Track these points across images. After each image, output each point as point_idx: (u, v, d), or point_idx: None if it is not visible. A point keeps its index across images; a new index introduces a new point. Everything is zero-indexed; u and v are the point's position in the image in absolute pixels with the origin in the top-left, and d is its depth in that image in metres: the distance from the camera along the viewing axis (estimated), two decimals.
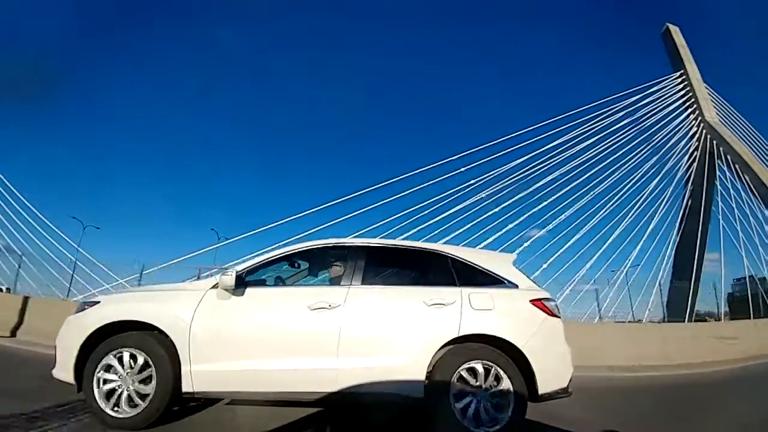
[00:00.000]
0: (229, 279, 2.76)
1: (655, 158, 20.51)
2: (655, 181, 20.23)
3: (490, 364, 2.69)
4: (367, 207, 16.23)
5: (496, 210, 17.32)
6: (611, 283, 15.27)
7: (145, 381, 2.66)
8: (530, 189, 17.91)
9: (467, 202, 17.17)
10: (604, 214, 18.54)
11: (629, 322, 12.88)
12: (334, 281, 3.11)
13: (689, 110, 22.39)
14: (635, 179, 19.61)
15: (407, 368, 2.66)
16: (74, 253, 18.71)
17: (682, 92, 22.55)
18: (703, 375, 6.73)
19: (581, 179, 18.60)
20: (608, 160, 19.15)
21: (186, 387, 2.65)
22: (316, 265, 3.52)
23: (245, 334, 2.75)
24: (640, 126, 20.35)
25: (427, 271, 3.23)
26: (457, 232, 16.76)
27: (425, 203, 16.76)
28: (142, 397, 2.63)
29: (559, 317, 3.01)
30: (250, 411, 3.39)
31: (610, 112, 19.35)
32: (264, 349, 2.71)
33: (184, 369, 2.65)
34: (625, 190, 19.27)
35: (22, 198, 20.10)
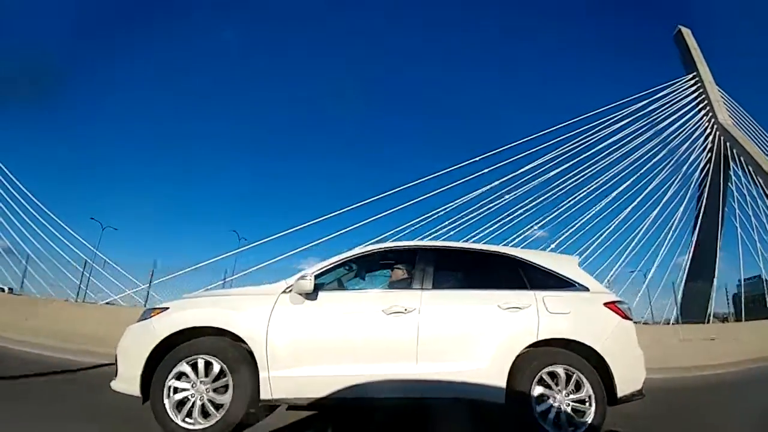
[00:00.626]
0: (309, 284, 2.70)
1: (670, 160, 20.53)
2: (671, 183, 20.28)
3: (571, 368, 2.67)
4: (391, 210, 16.34)
5: (512, 210, 17.30)
6: (627, 283, 15.25)
7: (220, 389, 2.56)
8: (550, 190, 17.88)
9: (487, 204, 17.15)
10: (622, 216, 18.57)
11: (644, 323, 12.82)
12: (398, 284, 3.08)
13: (703, 112, 22.28)
14: (650, 180, 19.65)
15: (488, 373, 2.64)
16: (89, 255, 18.75)
17: (695, 94, 22.47)
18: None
19: (598, 181, 18.59)
20: (624, 162, 19.18)
21: (264, 394, 2.57)
22: (377, 268, 3.48)
23: (323, 339, 2.70)
24: (655, 129, 20.35)
25: (496, 273, 3.17)
26: (477, 232, 16.70)
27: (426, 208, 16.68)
28: (217, 406, 2.53)
29: (632, 320, 3.00)
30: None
31: (626, 115, 19.36)
32: (342, 354, 2.66)
33: (262, 375, 2.57)
34: (640, 191, 19.30)
35: (35, 199, 20.10)
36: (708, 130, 22.09)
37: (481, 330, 2.76)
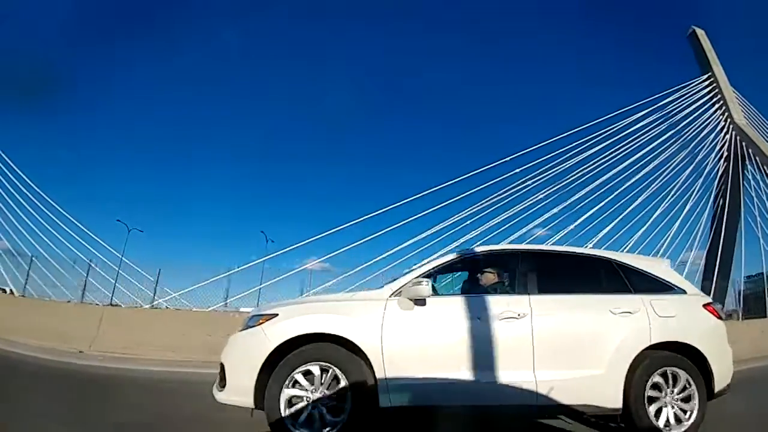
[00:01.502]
0: (427, 289, 2.67)
1: (688, 158, 20.63)
2: (688, 180, 20.43)
3: (679, 370, 2.77)
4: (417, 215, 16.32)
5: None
6: None
7: (340, 396, 2.52)
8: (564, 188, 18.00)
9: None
10: (640, 216, 18.71)
11: None
12: (494, 288, 3.07)
13: (719, 112, 22.32)
14: (668, 179, 19.83)
15: (606, 380, 2.67)
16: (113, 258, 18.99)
17: (711, 94, 22.50)
18: None
19: (618, 180, 18.76)
20: (640, 163, 19.32)
21: (383, 402, 2.53)
22: (473, 272, 3.43)
23: (438, 345, 2.69)
24: (675, 129, 20.49)
25: (598, 277, 3.17)
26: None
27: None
28: (335, 414, 2.49)
29: (723, 319, 3.14)
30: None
31: (645, 114, 19.59)
32: (458, 360, 2.64)
33: (381, 383, 2.53)
34: (657, 188, 19.47)
35: (46, 197, 20.26)
36: (724, 130, 22.12)
37: (596, 336, 2.78)
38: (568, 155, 18.28)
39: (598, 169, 18.92)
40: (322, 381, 2.56)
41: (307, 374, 2.56)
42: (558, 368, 2.67)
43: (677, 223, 19.47)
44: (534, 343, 2.67)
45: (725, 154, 21.88)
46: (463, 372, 2.61)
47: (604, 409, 2.66)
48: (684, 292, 3.13)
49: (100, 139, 61.54)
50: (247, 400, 2.52)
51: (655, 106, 20.28)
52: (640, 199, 19.10)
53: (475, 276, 3.23)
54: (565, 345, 2.75)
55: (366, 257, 16.62)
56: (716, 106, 22.53)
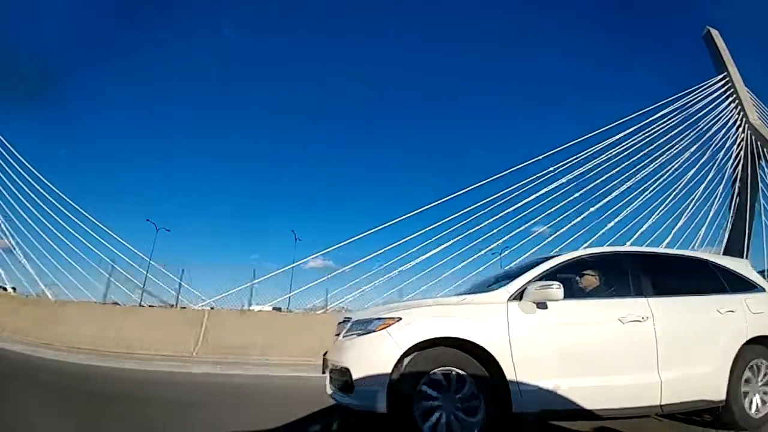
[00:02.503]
0: (559, 292, 2.66)
1: (703, 157, 20.91)
2: (704, 179, 20.72)
3: (764, 361, 3.07)
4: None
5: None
6: None
7: (472, 402, 2.53)
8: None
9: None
10: (658, 216, 19.06)
11: None
12: (596, 291, 3.16)
13: (734, 112, 22.50)
14: (688, 178, 20.16)
15: (717, 376, 2.83)
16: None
17: (727, 94, 22.69)
18: None
19: (635, 180, 19.09)
20: (658, 161, 19.65)
21: (516, 407, 2.54)
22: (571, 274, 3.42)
23: (566, 349, 2.70)
24: (689, 127, 20.73)
25: (698, 277, 3.32)
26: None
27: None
28: (469, 420, 2.51)
29: None
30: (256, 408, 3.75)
31: (665, 114, 19.92)
32: (588, 364, 2.69)
33: (512, 388, 2.54)
34: (676, 188, 19.83)
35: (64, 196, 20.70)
36: (740, 129, 22.35)
37: (708, 335, 2.94)
38: (572, 161, 18.47)
39: (616, 170, 19.15)
40: (453, 386, 2.54)
41: (437, 379, 2.55)
42: (679, 368, 2.77)
43: (695, 221, 19.78)
44: (657, 345, 2.75)
45: (740, 152, 22.09)
46: (594, 376, 2.66)
47: (712, 402, 2.81)
48: (764, 290, 3.43)
49: (100, 138, 61.98)
50: (379, 405, 2.49)
51: (673, 106, 20.51)
52: (663, 197, 19.42)
53: (573, 279, 3.23)
54: (684, 345, 2.88)
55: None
56: (732, 105, 22.65)
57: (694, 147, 20.85)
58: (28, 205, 20.20)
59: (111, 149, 63.42)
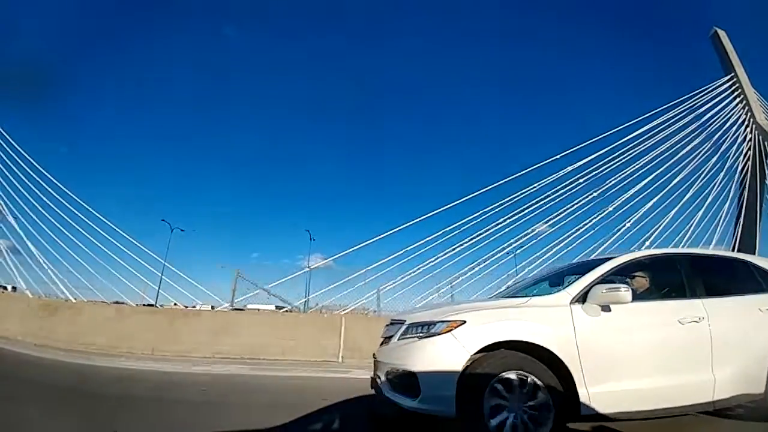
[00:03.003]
0: (628, 295, 2.73)
1: (713, 159, 20.97)
2: (713, 180, 20.78)
3: None
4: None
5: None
6: None
7: (541, 405, 2.55)
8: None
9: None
10: (670, 217, 19.10)
11: None
12: (646, 292, 3.23)
13: (742, 112, 22.59)
14: (696, 178, 20.20)
15: (758, 369, 2.94)
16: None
17: (734, 95, 22.82)
18: None
19: (645, 181, 19.10)
20: (670, 162, 19.70)
21: (584, 410, 2.58)
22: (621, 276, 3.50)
23: (630, 351, 2.79)
24: (699, 128, 20.84)
25: (740, 277, 3.43)
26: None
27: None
28: (537, 424, 2.52)
29: None
30: (259, 405, 3.89)
31: (676, 115, 20.02)
32: (650, 365, 2.78)
33: (581, 391, 2.58)
34: (686, 188, 19.85)
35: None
36: (748, 131, 22.45)
37: (753, 332, 3.06)
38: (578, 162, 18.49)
39: (627, 172, 19.18)
40: (522, 390, 2.58)
41: (506, 383, 2.57)
42: (728, 365, 2.89)
43: (704, 221, 19.80)
44: (712, 344, 2.88)
45: (749, 152, 22.20)
46: (657, 377, 2.75)
47: (753, 396, 2.92)
48: None
49: (99, 138, 61.85)
50: (448, 409, 2.50)
51: (682, 108, 20.64)
52: (674, 198, 19.49)
53: (624, 280, 3.25)
54: (733, 343, 2.99)
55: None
56: (739, 106, 22.81)
57: (704, 148, 20.96)
58: (43, 210, 19.52)
59: (110, 149, 63.55)
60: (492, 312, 2.92)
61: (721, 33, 24.56)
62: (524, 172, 17.88)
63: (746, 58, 23.87)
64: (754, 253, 22.13)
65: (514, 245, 17.97)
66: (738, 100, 22.95)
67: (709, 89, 22.15)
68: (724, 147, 21.52)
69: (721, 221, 20.44)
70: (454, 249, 17.15)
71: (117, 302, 17.72)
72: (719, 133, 21.56)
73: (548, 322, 2.76)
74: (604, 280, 3.00)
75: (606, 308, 2.81)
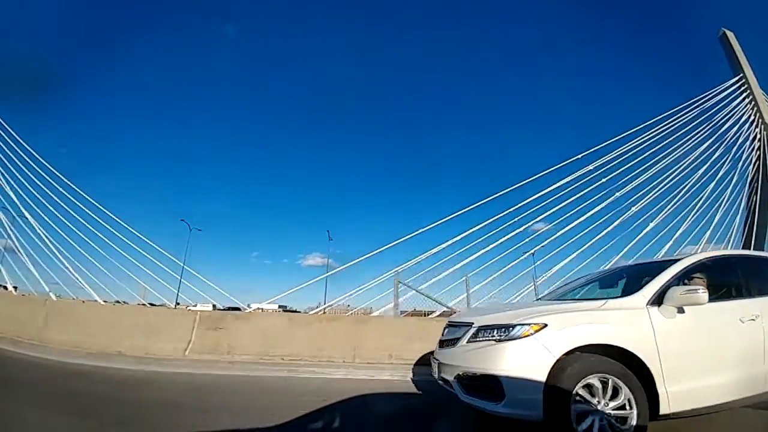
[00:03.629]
0: (705, 297, 2.84)
1: (723, 159, 20.97)
2: (718, 180, 20.82)
3: None
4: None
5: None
6: None
7: (622, 407, 2.60)
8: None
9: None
10: (683, 218, 19.16)
11: None
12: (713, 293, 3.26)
13: (751, 112, 22.63)
14: (706, 181, 20.23)
15: None
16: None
17: (743, 96, 22.91)
18: None
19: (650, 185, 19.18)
20: (683, 163, 19.77)
21: (663, 409, 2.64)
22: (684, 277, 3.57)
23: (706, 350, 2.90)
24: (711, 130, 20.90)
25: None
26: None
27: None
28: (620, 424, 2.57)
29: None
30: (264, 403, 3.83)
31: (679, 120, 20.12)
32: (724, 362, 2.90)
33: (660, 391, 2.65)
34: (702, 188, 19.94)
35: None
36: (757, 132, 22.52)
37: None
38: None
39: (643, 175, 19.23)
40: (605, 392, 2.63)
41: (590, 386, 2.63)
42: None
43: (725, 222, 19.93)
44: (765, 341, 3.03)
45: (759, 153, 22.31)
46: (724, 373, 2.88)
47: None
48: None
49: (100, 137, 61.42)
50: (535, 413, 2.52)
51: (692, 109, 20.70)
52: (688, 199, 19.55)
53: (683, 281, 3.33)
54: None
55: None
56: (748, 107, 22.90)
57: (715, 149, 20.96)
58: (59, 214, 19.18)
59: (110, 148, 63.08)
60: (573, 315, 2.93)
61: (730, 34, 24.63)
62: (535, 177, 17.77)
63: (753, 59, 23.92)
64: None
65: (534, 247, 17.78)
66: (747, 101, 23.02)
67: (719, 91, 22.21)
68: (735, 149, 21.60)
69: (738, 221, 20.44)
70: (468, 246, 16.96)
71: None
72: (730, 135, 21.58)
73: (628, 324, 2.81)
74: (675, 281, 3.11)
75: (680, 309, 2.90)
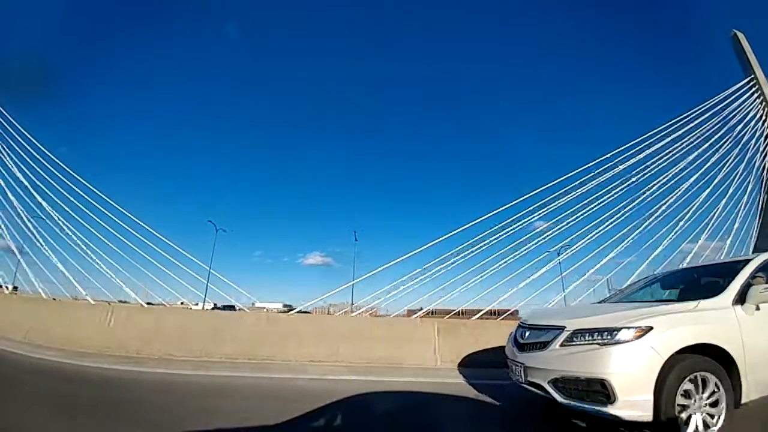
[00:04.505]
0: None
1: (736, 155, 21.14)
2: (730, 182, 20.90)
3: None
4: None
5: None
6: None
7: (714, 402, 2.89)
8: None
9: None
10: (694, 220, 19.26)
11: None
12: None
13: (762, 113, 22.81)
14: (719, 182, 20.33)
15: None
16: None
17: (754, 96, 22.99)
18: None
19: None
20: (689, 168, 19.92)
21: (744, 399, 2.98)
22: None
23: None
24: (725, 133, 21.02)
25: None
26: None
27: None
28: (713, 417, 2.85)
29: None
30: (267, 402, 3.99)
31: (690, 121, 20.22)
32: None
33: (743, 383, 2.97)
34: (708, 191, 19.96)
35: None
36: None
37: None
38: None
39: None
40: (703, 389, 2.88)
41: (692, 384, 2.84)
42: None
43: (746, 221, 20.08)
44: None
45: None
46: None
47: None
48: None
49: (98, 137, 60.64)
50: (646, 413, 2.69)
51: (705, 112, 20.85)
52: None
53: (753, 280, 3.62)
54: None
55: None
56: (759, 107, 23.01)
57: (728, 150, 21.01)
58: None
59: (109, 147, 62.32)
60: (674, 317, 3.07)
61: (740, 35, 24.67)
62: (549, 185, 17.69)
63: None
64: None
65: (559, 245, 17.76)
66: (758, 101, 23.09)
67: (731, 92, 22.25)
68: (749, 150, 21.63)
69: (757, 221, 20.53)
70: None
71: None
72: (742, 136, 21.64)
73: (720, 323, 3.06)
74: (750, 280, 3.38)
75: (757, 307, 3.17)
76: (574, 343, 3.08)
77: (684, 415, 2.75)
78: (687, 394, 2.81)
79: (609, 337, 2.91)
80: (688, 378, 2.80)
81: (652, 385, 2.72)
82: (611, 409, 2.73)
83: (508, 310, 20.32)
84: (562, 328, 3.23)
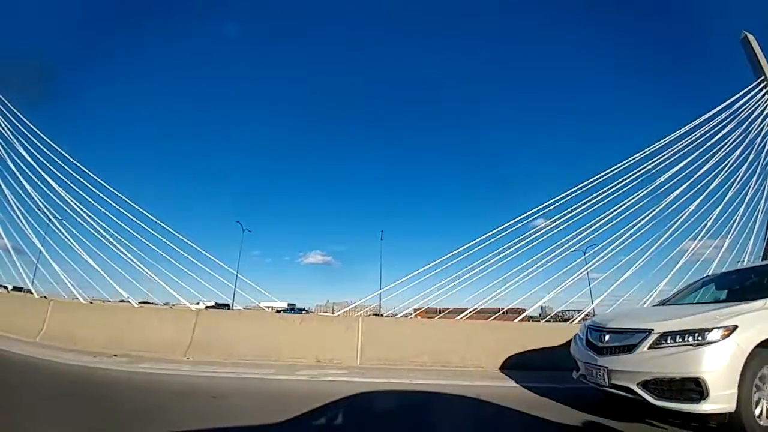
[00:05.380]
0: None
1: (744, 163, 21.18)
2: (743, 184, 20.94)
3: None
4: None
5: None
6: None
7: None
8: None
9: None
10: (709, 222, 19.30)
11: None
12: None
13: None
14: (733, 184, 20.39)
15: None
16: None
17: (765, 98, 23.06)
18: None
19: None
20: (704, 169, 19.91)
21: None
22: None
23: None
24: (742, 133, 21.05)
25: None
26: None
27: None
28: None
29: None
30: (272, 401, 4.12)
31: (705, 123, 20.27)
32: None
33: None
34: (723, 193, 20.01)
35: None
36: None
37: None
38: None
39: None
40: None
41: (763, 375, 3.12)
42: None
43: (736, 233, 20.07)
44: None
45: None
46: None
47: None
48: None
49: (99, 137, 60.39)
50: (730, 405, 2.92)
51: (721, 113, 20.87)
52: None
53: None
54: None
55: None
56: None
57: (740, 152, 21.06)
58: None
59: (108, 146, 62.14)
60: (754, 315, 3.28)
61: (751, 37, 24.71)
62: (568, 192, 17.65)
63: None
64: None
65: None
66: None
67: (743, 94, 22.29)
68: (757, 151, 21.69)
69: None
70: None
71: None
72: (758, 137, 21.69)
73: None
74: None
75: None
76: (663, 345, 3.20)
77: (757, 403, 3.05)
78: (759, 385, 3.07)
79: (700, 338, 3.08)
80: (761, 370, 3.08)
81: (737, 379, 2.96)
82: (704, 405, 2.93)
83: (519, 309, 20.18)
84: (649, 331, 3.32)
